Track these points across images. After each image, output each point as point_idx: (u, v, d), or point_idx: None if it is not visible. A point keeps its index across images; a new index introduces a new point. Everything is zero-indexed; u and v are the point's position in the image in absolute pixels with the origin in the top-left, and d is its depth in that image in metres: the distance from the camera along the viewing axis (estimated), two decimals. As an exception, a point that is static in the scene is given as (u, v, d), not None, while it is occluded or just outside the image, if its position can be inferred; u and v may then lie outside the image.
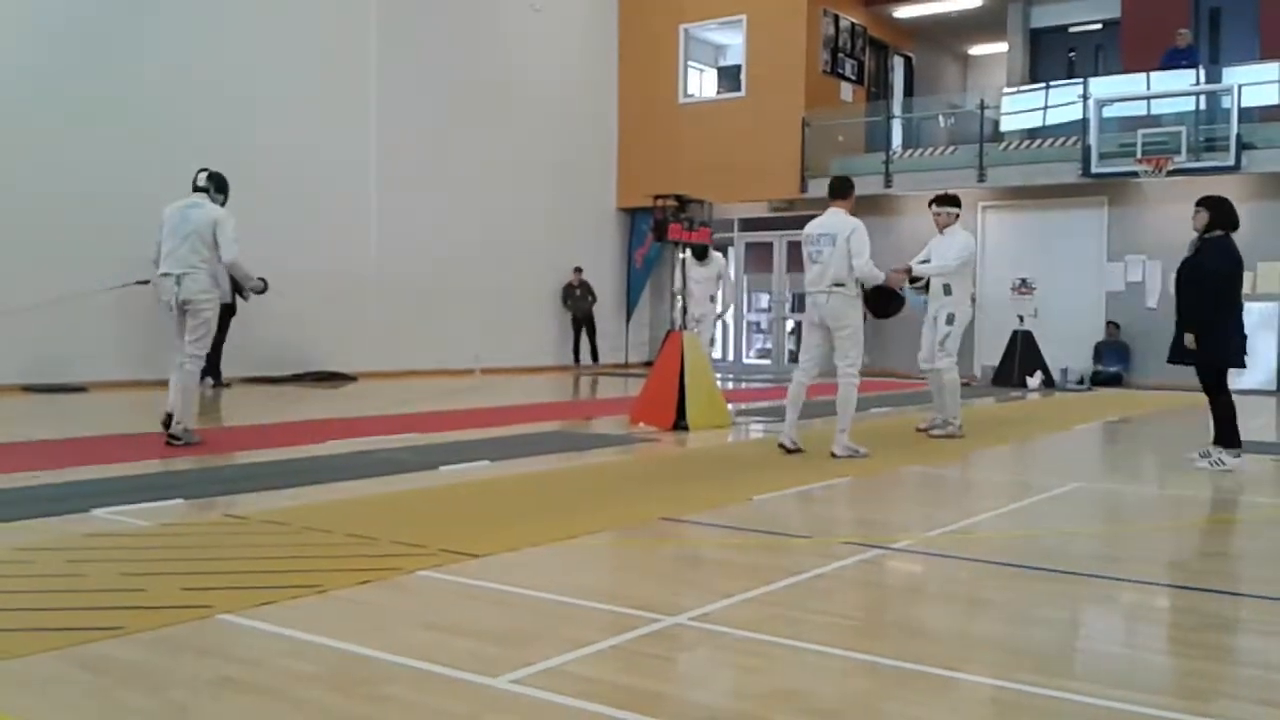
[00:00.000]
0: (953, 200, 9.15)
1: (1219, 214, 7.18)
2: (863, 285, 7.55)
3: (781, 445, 7.62)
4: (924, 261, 9.06)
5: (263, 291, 8.67)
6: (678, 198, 9.88)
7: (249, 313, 13.50)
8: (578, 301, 19.24)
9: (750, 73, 19.53)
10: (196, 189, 7.67)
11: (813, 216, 7.90)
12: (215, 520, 5.07)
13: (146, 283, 7.86)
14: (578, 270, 19.12)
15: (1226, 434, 7.16)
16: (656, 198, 9.86)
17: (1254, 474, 7.10)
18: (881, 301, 7.87)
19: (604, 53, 20.35)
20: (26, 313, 12.04)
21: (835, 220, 7.54)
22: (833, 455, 7.39)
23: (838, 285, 7.41)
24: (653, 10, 20.22)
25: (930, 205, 9.24)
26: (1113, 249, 16.76)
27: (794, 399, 7.73)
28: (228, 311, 13.33)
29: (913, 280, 8.80)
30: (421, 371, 16.21)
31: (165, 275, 7.45)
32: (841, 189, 7.79)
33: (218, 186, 7.75)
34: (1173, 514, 5.90)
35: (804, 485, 6.32)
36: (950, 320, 8.81)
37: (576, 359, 19.31)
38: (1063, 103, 17.16)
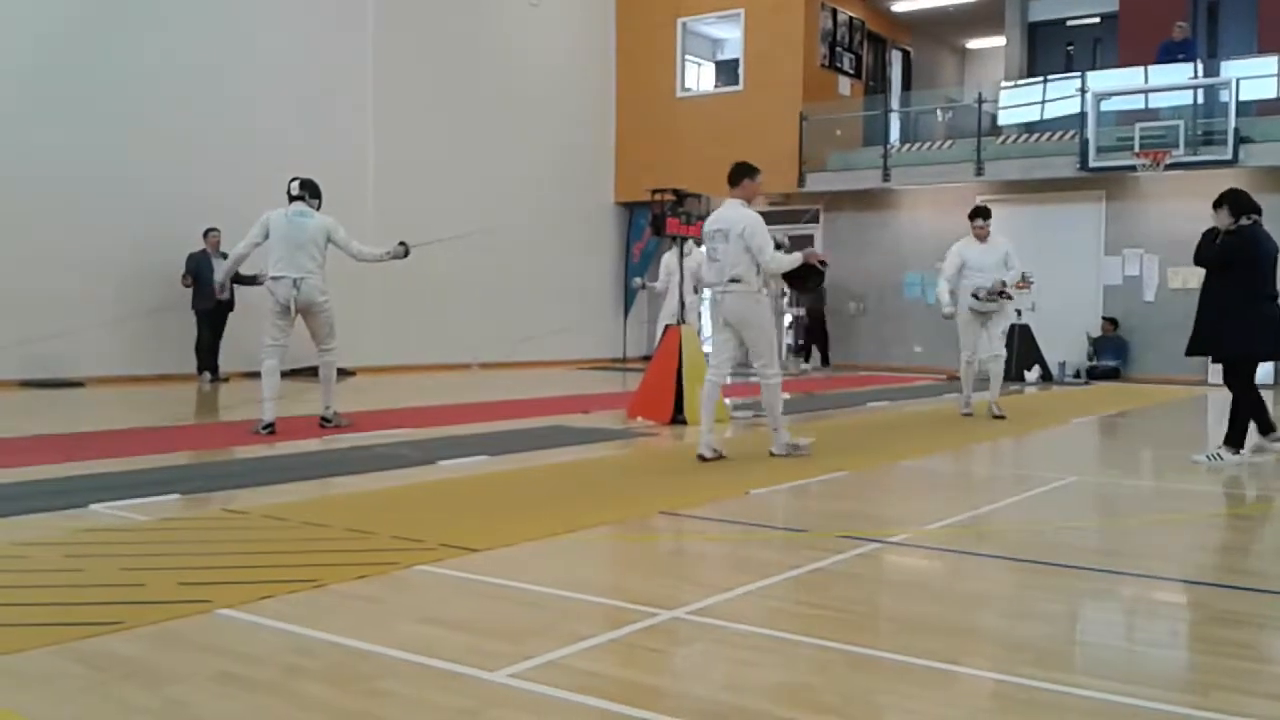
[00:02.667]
0: (990, 212, 10.22)
1: (1235, 205, 7.11)
2: (774, 274, 7.17)
3: (700, 456, 6.86)
4: (959, 269, 9.90)
5: (406, 254, 8.61)
6: (675, 192, 9.87)
7: (247, 309, 13.49)
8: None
9: (748, 67, 19.49)
10: (293, 197, 8.19)
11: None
12: (214, 515, 5.07)
13: (254, 281, 8.23)
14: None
15: (1236, 431, 7.10)
16: (654, 192, 9.86)
17: (1253, 468, 7.10)
18: (800, 278, 7.45)
19: (601, 47, 20.31)
20: (24, 308, 12.04)
21: (729, 214, 7.02)
22: (771, 454, 7.05)
23: (734, 282, 6.90)
24: (650, 4, 20.17)
25: (975, 219, 10.09)
26: (1110, 243, 16.77)
27: (707, 404, 7.06)
28: (225, 307, 13.35)
29: (1003, 294, 9.78)
30: (419, 366, 16.20)
31: (281, 278, 8.00)
32: (734, 176, 7.21)
33: (312, 193, 8.29)
34: (1171, 508, 5.91)
35: (801, 479, 6.32)
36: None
37: (808, 359, 18.72)
38: (1060, 96, 17.12)
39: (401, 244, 8.56)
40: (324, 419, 8.51)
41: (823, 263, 7.51)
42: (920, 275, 18.05)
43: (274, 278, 8.05)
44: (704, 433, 6.96)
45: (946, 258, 10.23)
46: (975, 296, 9.77)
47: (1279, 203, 15.00)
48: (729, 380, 7.34)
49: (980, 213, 10.16)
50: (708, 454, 6.88)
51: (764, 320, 7.03)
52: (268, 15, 14.61)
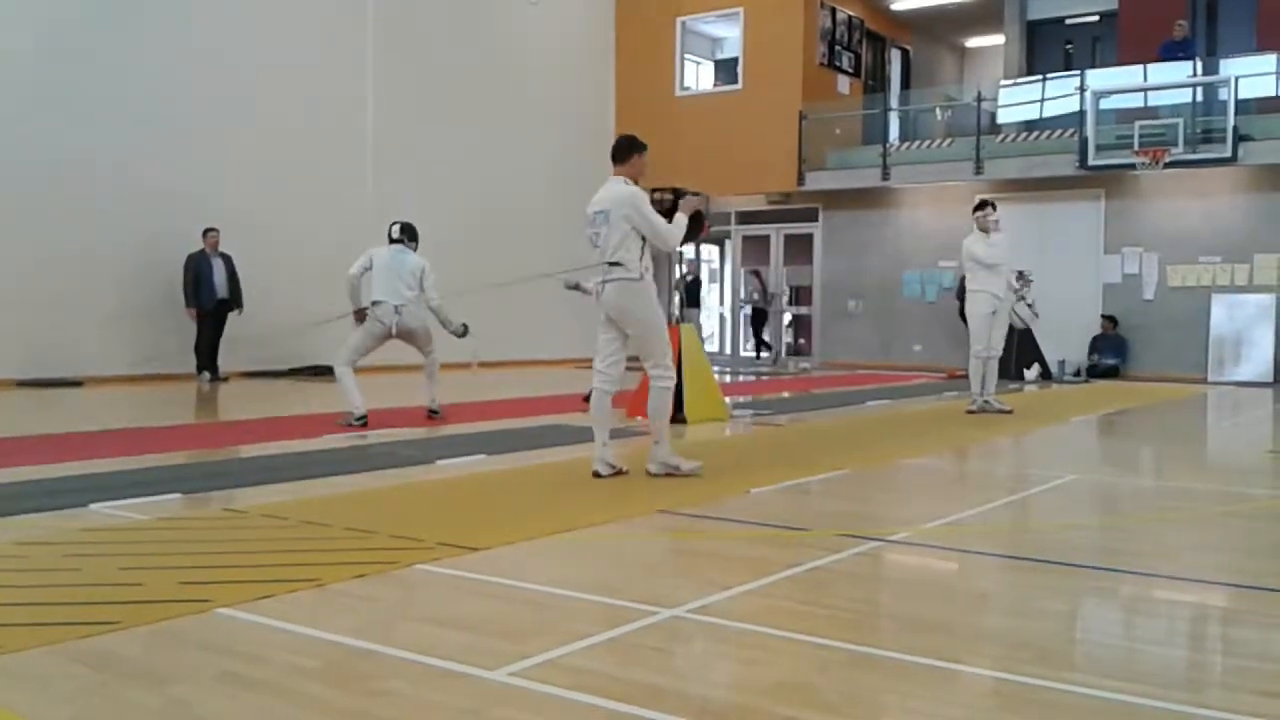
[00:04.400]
0: (992, 203, 10.54)
1: None
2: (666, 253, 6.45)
3: (596, 473, 6.09)
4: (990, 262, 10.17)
5: (463, 335, 9.44)
6: (674, 191, 9.84)
7: (246, 308, 13.52)
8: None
9: (747, 66, 19.50)
10: (394, 240, 9.02)
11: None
12: (213, 514, 5.07)
13: (361, 313, 8.86)
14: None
15: None
16: (653, 190, 9.83)
17: (1251, 466, 7.10)
18: (690, 232, 6.70)
19: (601, 46, 20.31)
20: (23, 307, 12.03)
21: (611, 193, 6.27)
22: (648, 474, 6.18)
23: (614, 266, 6.08)
24: (650, 3, 20.19)
25: (978, 210, 10.38)
26: (1109, 241, 16.77)
27: (597, 415, 6.23)
28: (225, 308, 13.36)
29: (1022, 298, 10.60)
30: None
31: (383, 303, 8.72)
32: (622, 151, 6.41)
33: (411, 236, 9.13)
34: (1171, 506, 5.90)
35: (801, 478, 6.33)
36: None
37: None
38: (1060, 95, 17.13)
39: (464, 325, 9.29)
40: (430, 410, 9.22)
41: (696, 194, 6.76)
42: (919, 274, 18.05)
43: (375, 302, 8.70)
44: (598, 446, 6.15)
45: (964, 253, 10.38)
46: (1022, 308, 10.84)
47: (1279, 201, 15.15)
48: (619, 387, 6.39)
49: (990, 204, 10.48)
50: (603, 470, 6.09)
51: (649, 312, 6.14)
52: (267, 14, 14.60)
